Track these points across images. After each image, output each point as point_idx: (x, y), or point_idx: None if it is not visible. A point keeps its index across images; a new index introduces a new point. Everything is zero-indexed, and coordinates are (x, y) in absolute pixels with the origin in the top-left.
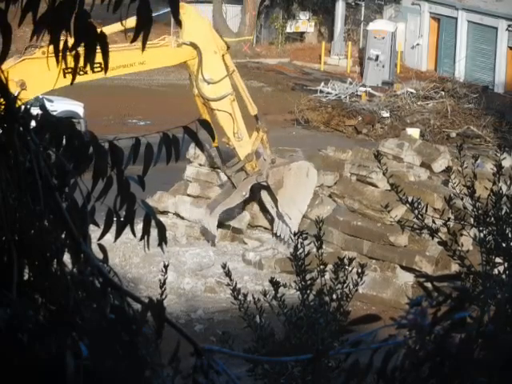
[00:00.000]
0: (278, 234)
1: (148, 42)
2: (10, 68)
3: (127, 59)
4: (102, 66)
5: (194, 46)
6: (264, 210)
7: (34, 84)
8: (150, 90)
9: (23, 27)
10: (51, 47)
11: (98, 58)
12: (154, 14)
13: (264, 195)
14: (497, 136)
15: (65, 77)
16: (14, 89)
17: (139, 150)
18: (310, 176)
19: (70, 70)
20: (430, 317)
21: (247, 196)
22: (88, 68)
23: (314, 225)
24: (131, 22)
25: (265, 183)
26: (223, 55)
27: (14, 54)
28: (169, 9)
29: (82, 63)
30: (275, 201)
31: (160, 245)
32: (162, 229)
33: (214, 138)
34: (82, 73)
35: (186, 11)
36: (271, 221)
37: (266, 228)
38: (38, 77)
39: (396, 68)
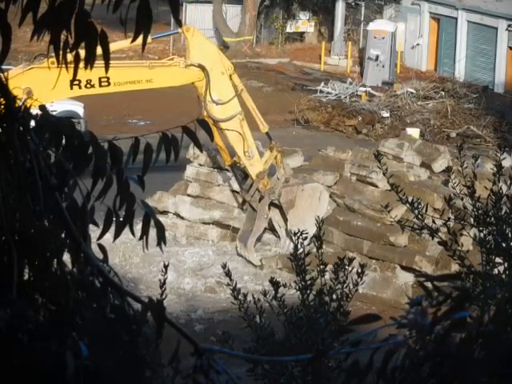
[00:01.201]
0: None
1: (157, 61)
2: (18, 75)
3: (135, 76)
4: (110, 80)
5: (201, 67)
6: (272, 228)
7: (41, 93)
8: (150, 90)
9: (23, 27)
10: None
11: (104, 73)
12: (161, 35)
13: (273, 213)
14: (497, 136)
15: (71, 88)
16: (20, 96)
17: (139, 150)
18: (322, 200)
19: (76, 83)
20: (430, 316)
21: (269, 217)
22: (95, 82)
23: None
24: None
25: (276, 201)
26: (231, 75)
27: (15, 55)
28: (177, 30)
29: (87, 76)
30: (285, 220)
31: (159, 244)
32: (160, 229)
33: (212, 138)
34: (89, 86)
35: (192, 33)
36: (276, 240)
37: (266, 228)
38: (45, 86)
39: (396, 68)
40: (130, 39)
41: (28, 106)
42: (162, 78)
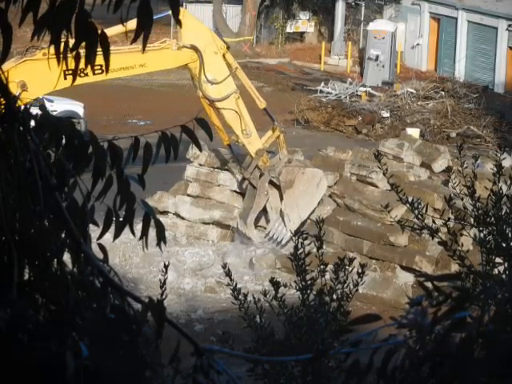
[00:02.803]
0: (271, 234)
1: (149, 45)
2: (11, 69)
3: (128, 61)
4: (103, 67)
5: (194, 48)
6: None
7: (35, 85)
8: (150, 90)
9: (23, 27)
10: (52, 49)
11: (99, 60)
12: (155, 17)
13: (270, 193)
14: (497, 136)
15: (65, 78)
16: (14, 90)
17: (138, 150)
18: (320, 187)
19: (70, 72)
20: (430, 316)
21: (269, 194)
22: (89, 70)
23: (314, 225)
24: (132, 23)
25: (275, 180)
26: (224, 54)
27: (14, 55)
28: (170, 11)
29: (82, 64)
30: (281, 199)
31: (158, 244)
32: (160, 228)
33: (212, 137)
34: (82, 75)
35: (183, 15)
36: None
37: (266, 228)
38: (39, 78)
39: (396, 68)
40: (124, 25)
41: (23, 100)
42: (156, 62)
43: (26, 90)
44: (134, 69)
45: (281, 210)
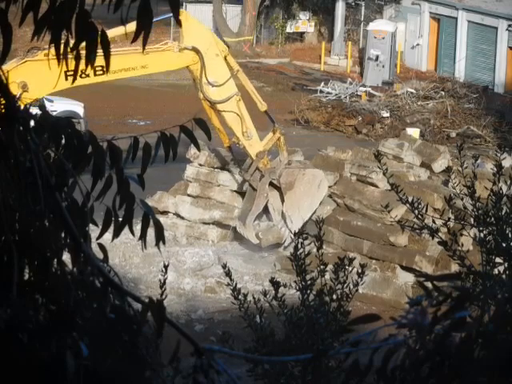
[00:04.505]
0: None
1: (151, 47)
2: (12, 69)
3: (129, 63)
4: (104, 68)
5: (195, 50)
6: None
7: (36, 86)
8: (150, 90)
9: (23, 27)
10: (53, 49)
11: (100, 61)
12: (157, 18)
13: (271, 195)
14: (497, 136)
15: (66, 79)
16: (15, 90)
17: (138, 149)
18: (321, 188)
19: (71, 73)
20: (430, 316)
21: (268, 197)
22: (89, 70)
23: (314, 225)
24: (133, 25)
25: (276, 182)
26: (225, 56)
27: (20, 54)
28: (171, 14)
29: (83, 66)
30: (282, 201)
31: (157, 244)
32: (159, 228)
33: (210, 138)
34: (83, 76)
35: (185, 18)
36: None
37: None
38: (40, 79)
39: (396, 68)
40: (125, 26)
41: (24, 100)
42: (157, 64)
43: (27, 91)
44: (135, 70)
45: (282, 212)
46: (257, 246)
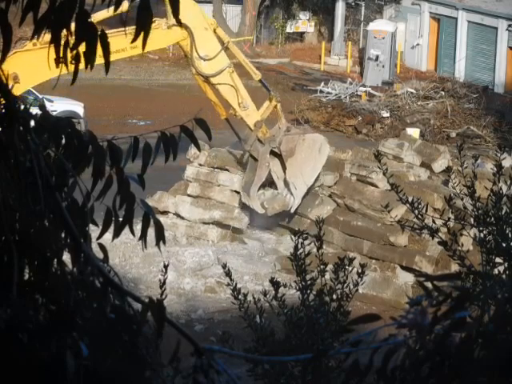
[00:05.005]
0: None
1: None
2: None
3: (119, 45)
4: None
5: (184, 26)
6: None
7: (27, 76)
8: (150, 90)
9: (23, 27)
10: (41, 39)
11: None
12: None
13: (273, 163)
14: (497, 136)
15: (57, 67)
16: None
17: (138, 149)
18: (322, 151)
19: (62, 60)
20: (430, 316)
21: (270, 166)
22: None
23: (314, 225)
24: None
25: (277, 150)
26: (214, 29)
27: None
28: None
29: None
30: (284, 168)
31: (158, 244)
32: (159, 228)
33: (210, 138)
34: (74, 62)
35: None
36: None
37: (266, 228)
38: (31, 69)
39: (396, 68)
40: (111, 9)
41: (15, 90)
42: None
43: (19, 82)
44: (125, 51)
45: (285, 180)
46: (256, 247)
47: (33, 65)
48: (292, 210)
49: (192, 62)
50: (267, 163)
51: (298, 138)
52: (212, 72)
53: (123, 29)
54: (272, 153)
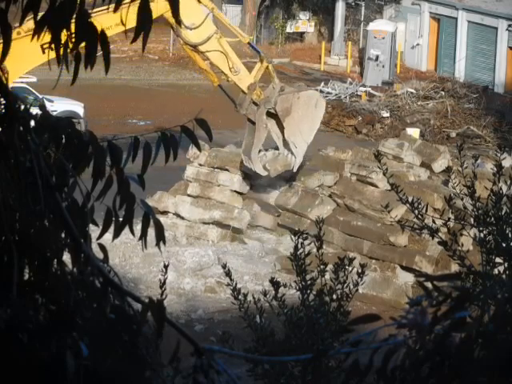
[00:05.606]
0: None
1: (124, 3)
2: None
3: (104, 23)
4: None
5: None
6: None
7: (14, 65)
8: (150, 90)
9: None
10: (24, 26)
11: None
12: None
13: (271, 124)
14: (497, 136)
15: (44, 53)
16: None
17: (138, 149)
18: (319, 107)
19: (47, 46)
20: (430, 316)
21: (268, 127)
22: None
23: (314, 225)
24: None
25: (273, 110)
26: None
27: None
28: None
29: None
30: (282, 128)
31: (158, 244)
32: (159, 228)
33: (211, 138)
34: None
35: None
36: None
37: (266, 228)
38: (17, 58)
39: (396, 68)
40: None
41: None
42: (131, 18)
43: (7, 72)
44: (110, 29)
45: (284, 139)
46: (256, 247)
47: (19, 54)
48: (295, 169)
49: (179, 33)
50: (265, 124)
51: (293, 97)
52: (199, 40)
53: (106, 7)
54: (268, 114)
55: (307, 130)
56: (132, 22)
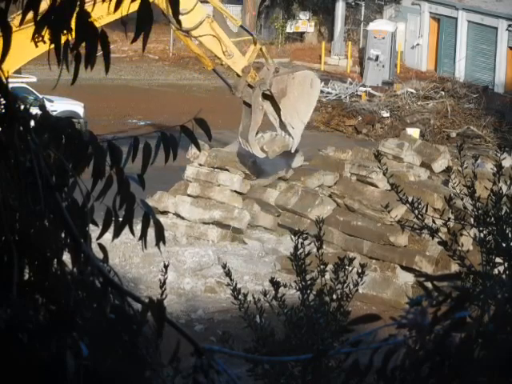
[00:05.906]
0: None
1: None
2: None
3: (94, 14)
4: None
5: None
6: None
7: (10, 58)
8: (150, 90)
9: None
10: (15, 21)
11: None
12: None
13: (267, 105)
14: (497, 136)
15: (37, 46)
16: None
17: (138, 150)
18: (314, 86)
19: (40, 39)
20: (430, 316)
21: (264, 108)
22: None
23: (314, 225)
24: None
25: (268, 92)
26: None
27: None
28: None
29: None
30: (278, 110)
31: (157, 244)
32: (159, 228)
33: (211, 138)
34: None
35: None
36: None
37: (266, 228)
38: (13, 51)
39: (396, 68)
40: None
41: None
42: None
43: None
44: (102, 19)
45: (281, 120)
46: (256, 247)
47: (14, 47)
48: (292, 150)
49: (170, 19)
50: (261, 106)
51: (287, 78)
52: (191, 25)
53: None
54: (264, 96)
55: (304, 110)
56: (123, 11)
